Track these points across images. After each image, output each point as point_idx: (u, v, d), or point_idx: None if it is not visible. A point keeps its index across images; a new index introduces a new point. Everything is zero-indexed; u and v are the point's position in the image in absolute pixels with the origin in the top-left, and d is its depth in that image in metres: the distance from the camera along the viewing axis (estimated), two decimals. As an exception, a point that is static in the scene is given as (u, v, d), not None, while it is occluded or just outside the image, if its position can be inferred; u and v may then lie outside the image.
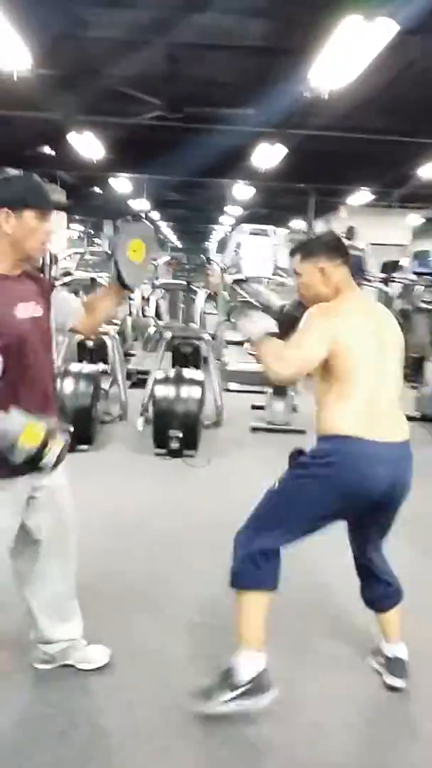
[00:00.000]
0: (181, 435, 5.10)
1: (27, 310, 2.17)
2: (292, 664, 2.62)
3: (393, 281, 11.13)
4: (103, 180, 13.37)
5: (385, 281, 11.08)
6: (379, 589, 2.53)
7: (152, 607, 3.00)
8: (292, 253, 2.50)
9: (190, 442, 5.18)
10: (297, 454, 2.40)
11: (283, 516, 2.35)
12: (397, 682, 2.52)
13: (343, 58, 4.71)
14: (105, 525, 3.90)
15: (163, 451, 5.16)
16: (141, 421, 5.54)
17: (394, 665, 2.54)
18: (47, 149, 10.11)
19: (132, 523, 3.90)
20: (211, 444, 5.49)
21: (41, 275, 2.53)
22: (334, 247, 2.42)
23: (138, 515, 3.96)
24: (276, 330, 2.41)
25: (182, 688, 2.39)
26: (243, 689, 2.25)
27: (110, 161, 10.14)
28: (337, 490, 2.28)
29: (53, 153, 10.18)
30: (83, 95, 7.23)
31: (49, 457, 2.00)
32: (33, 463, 2.01)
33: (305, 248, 2.46)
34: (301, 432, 5.73)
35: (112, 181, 13.03)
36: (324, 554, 3.10)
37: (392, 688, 2.51)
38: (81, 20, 5.16)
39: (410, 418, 6.26)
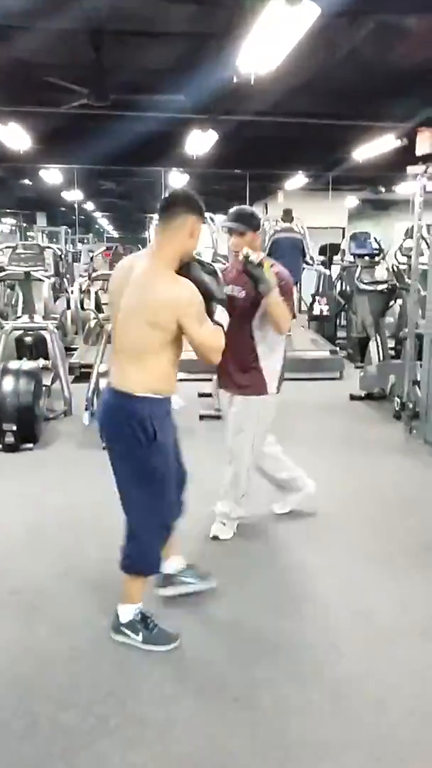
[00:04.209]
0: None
1: (232, 291, 3.40)
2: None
3: (332, 264, 11.32)
4: (34, 171, 13.05)
5: (324, 264, 11.24)
6: None
7: (113, 602, 2.98)
8: None
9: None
10: None
11: None
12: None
13: (269, 43, 4.70)
14: (58, 522, 3.86)
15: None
16: (87, 415, 5.46)
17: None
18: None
19: (86, 518, 3.86)
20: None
21: None
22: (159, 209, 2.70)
23: (91, 510, 3.92)
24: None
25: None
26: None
27: (38, 152, 9.87)
28: None
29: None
30: (6, 86, 7.02)
31: None
32: None
33: None
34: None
35: (42, 172, 12.76)
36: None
37: None
38: (2, 11, 4.99)
39: (355, 398, 6.50)
